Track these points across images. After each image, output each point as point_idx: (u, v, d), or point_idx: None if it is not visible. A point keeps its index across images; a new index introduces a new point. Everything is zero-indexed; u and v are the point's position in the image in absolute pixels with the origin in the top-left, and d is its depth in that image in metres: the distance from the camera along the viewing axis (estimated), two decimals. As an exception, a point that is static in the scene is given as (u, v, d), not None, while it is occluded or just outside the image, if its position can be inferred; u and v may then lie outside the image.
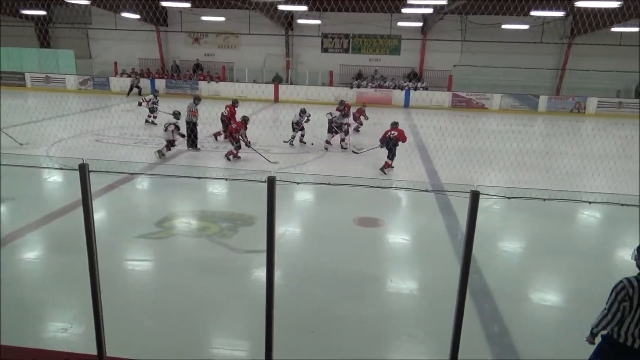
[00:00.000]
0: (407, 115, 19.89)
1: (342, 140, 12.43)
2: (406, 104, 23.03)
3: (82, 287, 3.55)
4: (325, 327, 4.49)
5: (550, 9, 18.07)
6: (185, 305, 4.77)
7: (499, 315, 4.76)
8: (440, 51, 23.96)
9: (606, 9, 16.76)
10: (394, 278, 5.51)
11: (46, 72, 24.48)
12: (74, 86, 24.58)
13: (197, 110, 11.86)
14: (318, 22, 22.73)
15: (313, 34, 23.95)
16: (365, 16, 23.04)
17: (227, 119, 12.54)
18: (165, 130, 10.76)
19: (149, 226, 6.73)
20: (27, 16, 25.26)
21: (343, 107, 13.16)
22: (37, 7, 23.67)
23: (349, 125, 12.66)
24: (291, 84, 24.94)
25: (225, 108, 12.84)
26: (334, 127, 12.24)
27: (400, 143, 10.15)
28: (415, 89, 23.45)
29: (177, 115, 11.15)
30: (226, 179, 8.93)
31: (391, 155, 10.16)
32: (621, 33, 20.81)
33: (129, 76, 24.63)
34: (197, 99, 12.43)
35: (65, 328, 4.30)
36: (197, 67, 25.96)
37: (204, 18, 23.27)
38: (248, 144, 10.59)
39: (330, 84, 24.43)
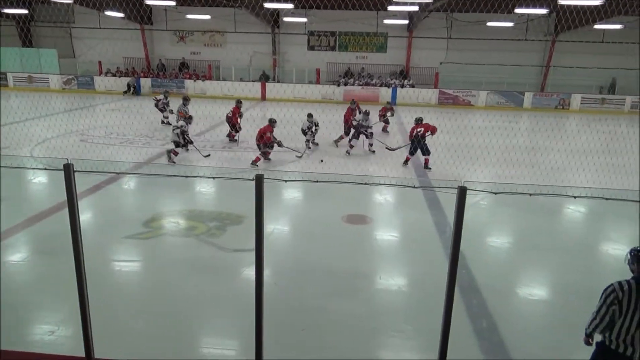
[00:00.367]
0: (394, 112, 19.88)
1: (371, 145, 12.03)
2: (393, 102, 23.10)
3: (69, 289, 3.52)
4: (315, 324, 4.49)
5: (534, 6, 18.24)
6: (174, 305, 4.74)
7: (487, 310, 4.81)
8: (427, 49, 24.06)
9: (589, 7, 16.98)
10: (383, 275, 5.53)
11: (29, 71, 24.05)
12: (57, 86, 24.19)
13: (185, 111, 11.76)
14: (304, 19, 22.66)
15: (299, 32, 23.88)
16: (351, 14, 23.03)
17: (231, 119, 12.44)
18: (173, 131, 10.64)
19: (136, 226, 6.67)
20: (8, 15, 24.78)
21: (356, 107, 13.14)
22: (18, 6, 23.20)
23: (371, 127, 12.14)
24: (278, 82, 24.86)
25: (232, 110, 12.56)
26: (361, 130, 11.69)
27: (429, 135, 10.30)
28: (402, 86, 23.55)
29: (188, 119, 10.91)
30: (214, 178, 8.88)
31: (424, 151, 10.24)
32: (604, 30, 21.15)
33: (114, 75, 24.37)
34: (186, 100, 12.31)
35: (53, 330, 4.25)
36: (183, 65, 25.77)
37: (189, 16, 23.10)
38: (280, 144, 10.56)
39: (317, 82, 24.39)
